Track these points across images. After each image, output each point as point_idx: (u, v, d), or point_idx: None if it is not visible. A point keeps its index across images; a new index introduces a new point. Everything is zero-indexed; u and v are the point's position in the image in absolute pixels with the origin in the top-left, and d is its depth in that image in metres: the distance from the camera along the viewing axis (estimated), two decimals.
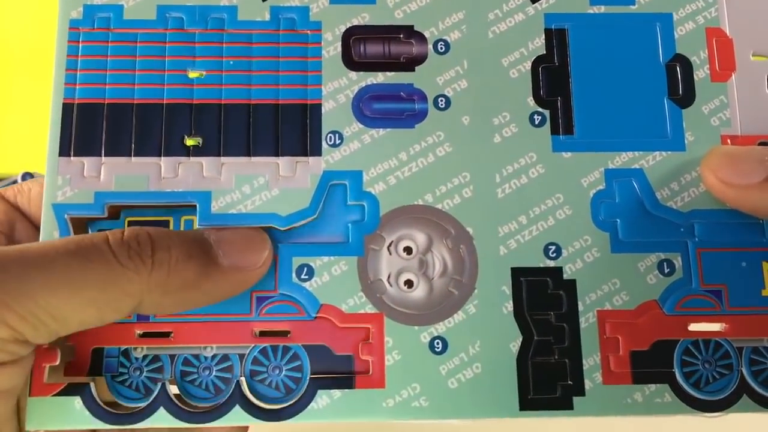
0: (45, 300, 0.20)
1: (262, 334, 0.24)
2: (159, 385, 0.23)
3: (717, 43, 0.25)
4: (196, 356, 0.23)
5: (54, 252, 0.20)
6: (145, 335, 0.23)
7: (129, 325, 0.23)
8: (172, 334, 0.24)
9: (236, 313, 0.24)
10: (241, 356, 0.23)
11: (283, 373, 0.23)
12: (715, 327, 0.24)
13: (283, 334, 0.24)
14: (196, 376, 0.23)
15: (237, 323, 0.24)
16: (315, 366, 0.23)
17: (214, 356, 0.23)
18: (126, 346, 0.24)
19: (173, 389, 0.23)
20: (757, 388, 0.23)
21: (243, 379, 0.23)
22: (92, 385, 0.23)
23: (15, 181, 0.43)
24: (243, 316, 0.24)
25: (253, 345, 0.24)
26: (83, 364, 0.23)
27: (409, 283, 0.24)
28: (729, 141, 0.25)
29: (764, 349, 0.24)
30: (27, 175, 0.42)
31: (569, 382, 0.23)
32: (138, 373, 0.23)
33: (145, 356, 0.24)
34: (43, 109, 0.25)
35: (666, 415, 0.23)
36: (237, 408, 0.23)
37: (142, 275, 0.21)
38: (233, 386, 0.23)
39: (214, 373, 0.23)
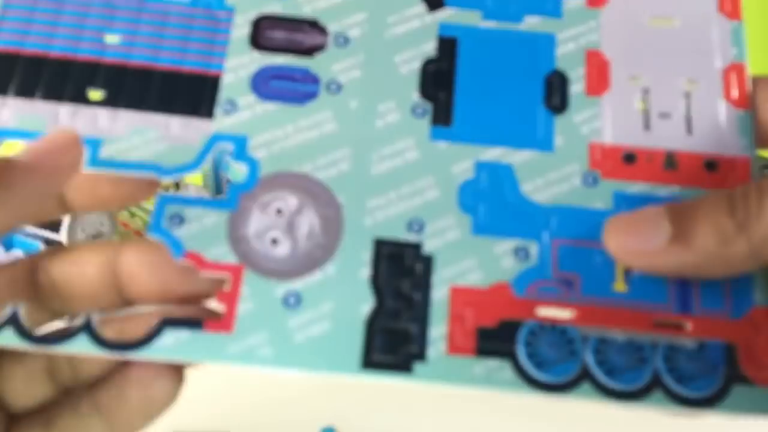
0: None
1: None
2: None
3: (595, 63, 0.28)
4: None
5: None
6: None
7: None
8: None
9: None
10: None
11: None
12: (564, 314, 0.24)
13: None
14: None
15: None
16: None
17: None
18: None
19: None
20: (598, 377, 0.23)
21: None
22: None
23: None
24: None
25: None
26: None
27: (274, 241, 0.25)
28: (597, 148, 0.26)
29: (610, 339, 0.24)
30: None
31: (412, 348, 0.23)
32: None
33: None
34: None
35: (505, 390, 0.23)
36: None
37: None
38: None
39: None
